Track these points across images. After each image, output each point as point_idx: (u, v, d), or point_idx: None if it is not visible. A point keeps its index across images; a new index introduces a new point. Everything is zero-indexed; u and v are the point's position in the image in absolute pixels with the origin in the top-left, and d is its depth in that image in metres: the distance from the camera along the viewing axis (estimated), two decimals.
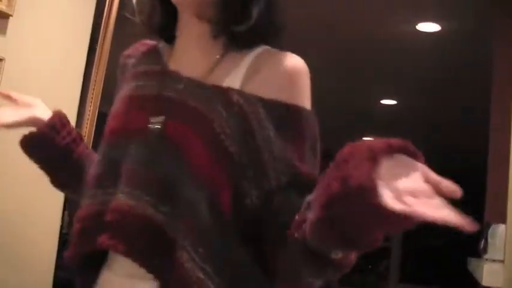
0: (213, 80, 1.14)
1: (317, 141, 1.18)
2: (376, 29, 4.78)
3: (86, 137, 2.53)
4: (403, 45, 5.04)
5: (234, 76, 1.15)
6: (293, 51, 1.21)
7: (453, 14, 4.34)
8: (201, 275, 1.03)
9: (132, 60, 1.29)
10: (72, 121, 2.23)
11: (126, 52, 1.34)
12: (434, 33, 4.69)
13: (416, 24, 4.57)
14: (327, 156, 0.94)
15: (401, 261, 10.67)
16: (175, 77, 1.16)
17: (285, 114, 1.12)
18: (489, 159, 3.56)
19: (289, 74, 1.17)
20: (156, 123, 1.11)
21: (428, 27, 4.59)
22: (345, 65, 5.84)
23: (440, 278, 9.73)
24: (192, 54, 1.20)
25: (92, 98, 2.67)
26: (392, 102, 7.07)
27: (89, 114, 2.64)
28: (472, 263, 3.13)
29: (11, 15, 2.27)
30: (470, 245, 3.43)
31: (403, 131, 7.62)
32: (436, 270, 10.07)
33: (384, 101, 7.07)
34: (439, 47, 4.97)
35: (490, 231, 3.05)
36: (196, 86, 1.13)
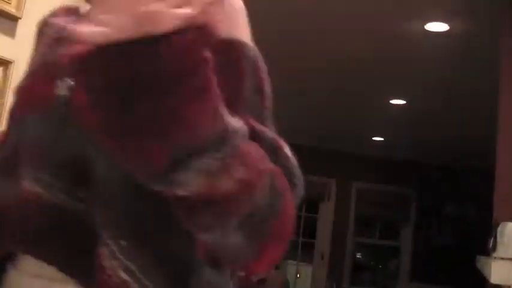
0: None
1: (264, 83, 0.94)
2: (384, 29, 4.79)
3: None
4: (411, 45, 5.04)
5: None
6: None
7: (461, 14, 4.34)
8: (124, 277, 0.81)
9: (50, 29, 1.06)
10: None
11: (45, 18, 1.11)
12: (442, 33, 4.69)
13: (425, 24, 4.57)
14: None
15: (412, 260, 10.66)
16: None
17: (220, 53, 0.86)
18: (497, 158, 3.56)
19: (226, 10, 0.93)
20: (62, 90, 0.88)
21: (437, 26, 4.58)
22: (353, 65, 5.84)
23: (450, 276, 9.72)
24: (112, 5, 0.92)
25: None
26: (402, 102, 7.06)
27: None
28: (481, 261, 3.13)
29: (20, 18, 2.29)
30: (480, 244, 3.43)
31: (412, 131, 7.62)
32: (446, 269, 10.05)
33: (393, 101, 7.07)
34: (448, 46, 4.97)
35: (498, 229, 3.05)
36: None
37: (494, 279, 2.72)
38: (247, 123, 0.80)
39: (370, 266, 11.42)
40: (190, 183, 0.69)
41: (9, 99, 2.13)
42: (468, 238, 9.43)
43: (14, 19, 2.28)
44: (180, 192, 0.70)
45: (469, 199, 10.24)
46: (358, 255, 11.20)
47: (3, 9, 2.21)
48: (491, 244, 3.06)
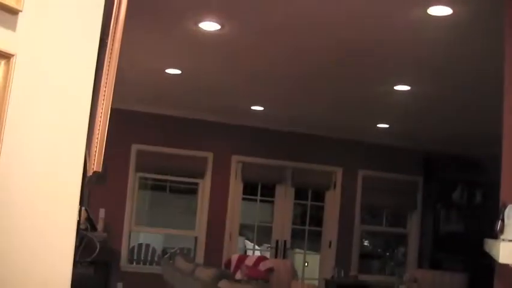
0: None
1: None
2: (387, 14, 4.76)
3: (99, 136, 2.54)
4: (414, 29, 5.01)
5: None
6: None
7: None
8: None
9: None
10: (85, 118, 2.25)
11: None
12: (446, 17, 4.66)
13: (427, 8, 4.53)
14: None
15: (419, 248, 10.67)
16: None
17: None
18: (503, 141, 3.55)
19: None
20: None
21: (440, 10, 4.55)
22: (356, 52, 5.82)
23: (458, 263, 9.72)
24: None
25: (105, 94, 2.68)
26: (406, 88, 7.04)
27: (101, 112, 2.65)
28: (489, 243, 3.14)
29: (21, 11, 2.29)
30: (487, 230, 3.42)
31: (417, 117, 7.57)
32: (454, 256, 10.05)
33: (397, 87, 7.05)
34: (451, 30, 4.94)
35: (505, 211, 3.05)
36: None
37: (502, 259, 2.73)
38: None
39: (377, 253, 11.44)
40: None
41: (12, 92, 2.12)
42: (476, 224, 9.42)
43: (14, 12, 2.27)
44: None
45: (476, 185, 10.22)
46: (366, 243, 11.23)
47: (3, 2, 2.21)
48: (498, 226, 3.06)
